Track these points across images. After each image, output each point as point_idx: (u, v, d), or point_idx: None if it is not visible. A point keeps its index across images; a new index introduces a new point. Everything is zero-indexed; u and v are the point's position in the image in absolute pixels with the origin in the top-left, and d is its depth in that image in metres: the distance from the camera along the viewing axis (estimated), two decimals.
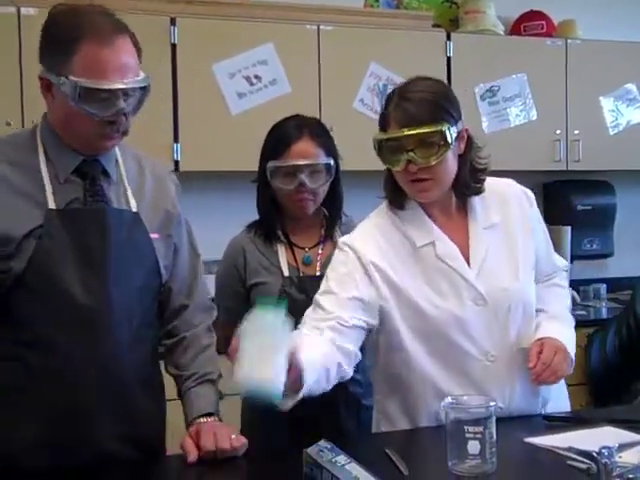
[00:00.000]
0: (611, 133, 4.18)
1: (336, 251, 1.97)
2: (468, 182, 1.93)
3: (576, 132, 4.07)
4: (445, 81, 3.71)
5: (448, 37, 3.88)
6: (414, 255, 1.91)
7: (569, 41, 4.09)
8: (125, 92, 1.63)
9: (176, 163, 3.43)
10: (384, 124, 1.88)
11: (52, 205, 1.65)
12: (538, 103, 4.02)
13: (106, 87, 1.60)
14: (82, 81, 1.58)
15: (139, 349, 1.75)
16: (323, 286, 1.91)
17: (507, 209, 1.98)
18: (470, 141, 1.94)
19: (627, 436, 1.73)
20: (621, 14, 4.50)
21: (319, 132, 2.21)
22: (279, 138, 2.18)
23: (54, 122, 1.70)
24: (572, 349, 1.96)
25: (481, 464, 1.54)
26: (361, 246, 1.91)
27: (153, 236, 1.76)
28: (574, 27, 4.23)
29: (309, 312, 1.87)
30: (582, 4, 4.37)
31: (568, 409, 2.06)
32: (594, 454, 1.44)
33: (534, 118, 4.02)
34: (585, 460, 1.48)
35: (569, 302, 2.12)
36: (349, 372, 1.84)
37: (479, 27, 4.02)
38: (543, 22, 4.17)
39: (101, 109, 1.62)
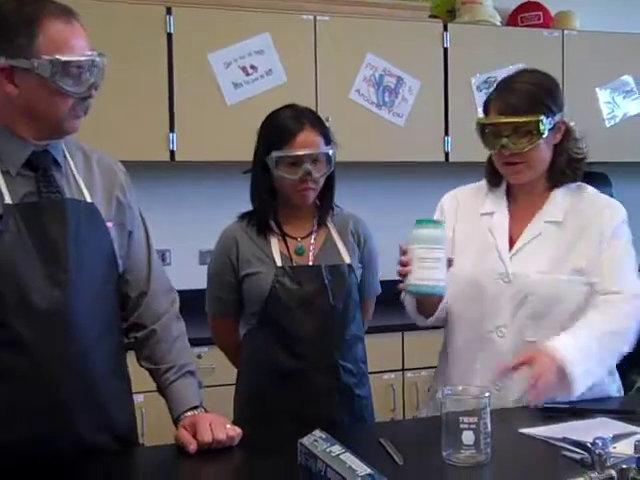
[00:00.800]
0: (607, 125, 4.17)
1: None
2: (564, 170, 2.07)
3: (572, 124, 4.05)
4: (442, 71, 3.79)
5: (445, 28, 3.87)
6: (476, 221, 2.12)
7: (566, 32, 4.08)
8: (90, 65, 1.63)
9: (172, 153, 3.42)
10: (486, 110, 2.07)
11: (8, 200, 1.61)
12: None
13: (83, 58, 1.61)
14: (59, 57, 1.58)
15: (108, 339, 1.74)
16: None
17: (582, 214, 2.06)
18: (568, 132, 2.08)
19: (622, 427, 1.74)
20: (618, 5, 4.49)
21: (318, 122, 2.22)
22: (282, 128, 2.17)
23: (11, 112, 1.64)
24: (575, 362, 1.85)
25: (475, 454, 1.54)
26: (445, 200, 2.22)
27: (108, 225, 1.74)
28: (571, 18, 4.22)
29: None
30: None
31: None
32: (588, 445, 1.44)
33: None
34: (579, 451, 1.49)
35: (616, 327, 1.96)
36: None
37: (476, 18, 4.01)
38: (540, 13, 4.16)
39: (76, 85, 1.62)
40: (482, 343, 2.04)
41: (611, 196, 2.22)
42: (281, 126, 2.18)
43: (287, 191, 2.20)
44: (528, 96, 2.00)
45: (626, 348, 1.98)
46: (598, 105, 4.14)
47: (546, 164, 2.06)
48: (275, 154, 2.15)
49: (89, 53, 1.64)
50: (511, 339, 2.00)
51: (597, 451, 1.41)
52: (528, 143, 1.98)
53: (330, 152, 2.19)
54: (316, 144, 2.17)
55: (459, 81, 3.85)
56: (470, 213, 2.14)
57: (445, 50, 3.85)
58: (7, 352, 1.60)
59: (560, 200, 2.08)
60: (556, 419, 1.82)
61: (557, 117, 2.03)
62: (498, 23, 4.08)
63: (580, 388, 1.89)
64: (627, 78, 4.21)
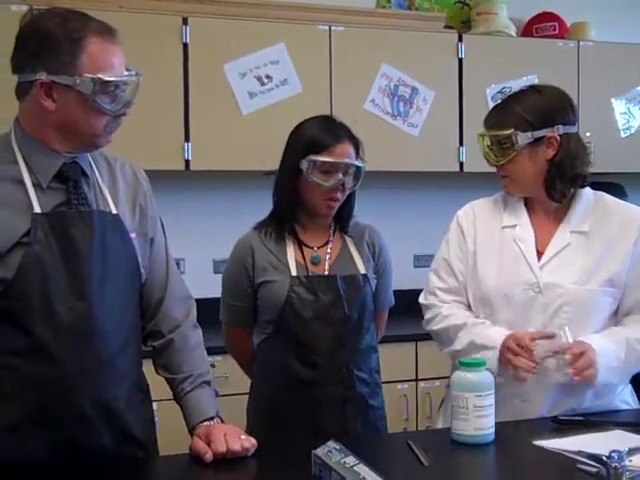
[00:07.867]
0: (623, 135, 4.15)
1: None
2: (556, 186, 2.03)
3: (588, 134, 4.02)
4: (456, 82, 3.79)
5: (460, 38, 3.87)
6: (498, 233, 2.09)
7: (581, 43, 4.07)
8: (125, 84, 1.67)
9: (187, 162, 3.43)
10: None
11: (37, 210, 1.63)
12: None
13: (123, 78, 1.64)
14: (101, 76, 1.61)
15: (130, 349, 1.75)
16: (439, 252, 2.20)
17: (609, 225, 2.04)
18: (563, 148, 2.02)
19: (637, 440, 1.72)
20: (633, 16, 4.47)
21: (354, 137, 2.24)
22: (323, 134, 2.19)
23: (46, 126, 1.66)
24: (605, 362, 1.90)
25: None
26: (462, 214, 2.18)
27: (132, 235, 1.76)
28: (586, 29, 4.21)
29: (435, 280, 2.16)
30: (594, 6, 4.35)
31: None
32: (604, 458, 1.43)
33: None
34: (595, 464, 1.48)
35: None
36: None
37: (491, 28, 4.01)
38: (555, 23, 4.16)
39: (113, 104, 1.65)
40: None
41: None
42: (322, 132, 2.20)
43: (314, 199, 2.20)
44: (504, 111, 2.04)
45: None
46: (613, 116, 4.13)
47: (532, 177, 2.03)
48: (313, 157, 2.16)
49: (127, 73, 1.67)
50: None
51: (613, 465, 1.40)
52: (502, 157, 2.02)
53: (362, 166, 2.21)
54: (352, 157, 2.20)
55: (474, 91, 3.85)
56: (490, 226, 2.12)
57: (460, 61, 3.85)
58: (31, 360, 1.62)
59: (583, 210, 2.07)
60: (571, 432, 1.82)
61: (543, 132, 2.00)
62: (513, 34, 4.08)
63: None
64: None
